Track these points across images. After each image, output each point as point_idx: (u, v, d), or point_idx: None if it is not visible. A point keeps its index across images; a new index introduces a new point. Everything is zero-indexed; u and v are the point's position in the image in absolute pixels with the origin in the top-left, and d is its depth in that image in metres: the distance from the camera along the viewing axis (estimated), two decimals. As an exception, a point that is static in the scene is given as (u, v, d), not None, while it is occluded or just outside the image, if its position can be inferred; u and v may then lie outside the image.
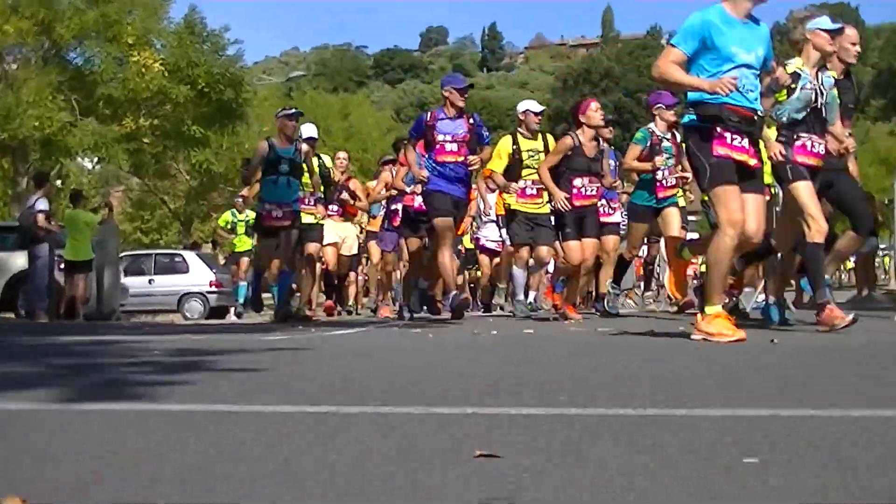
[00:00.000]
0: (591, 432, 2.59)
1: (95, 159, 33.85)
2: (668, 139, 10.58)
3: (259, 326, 10.75)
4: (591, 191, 10.22)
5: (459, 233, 13.89)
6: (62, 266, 16.91)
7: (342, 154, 15.08)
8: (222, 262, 25.06)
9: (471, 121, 10.18)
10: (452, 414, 2.95)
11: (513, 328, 8.54)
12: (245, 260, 19.76)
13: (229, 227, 20.54)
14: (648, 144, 10.54)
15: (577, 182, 10.17)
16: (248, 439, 2.55)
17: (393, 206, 12.95)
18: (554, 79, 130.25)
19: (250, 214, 18.97)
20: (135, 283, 22.06)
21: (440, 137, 10.05)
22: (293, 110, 11.69)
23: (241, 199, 19.85)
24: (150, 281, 23.45)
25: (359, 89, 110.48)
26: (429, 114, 10.36)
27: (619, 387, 3.70)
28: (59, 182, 35.63)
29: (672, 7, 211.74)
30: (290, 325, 9.91)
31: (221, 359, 5.19)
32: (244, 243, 19.82)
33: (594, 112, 10.20)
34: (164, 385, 3.80)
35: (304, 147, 11.54)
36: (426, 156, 10.32)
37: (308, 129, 13.16)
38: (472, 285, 20.54)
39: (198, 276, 23.21)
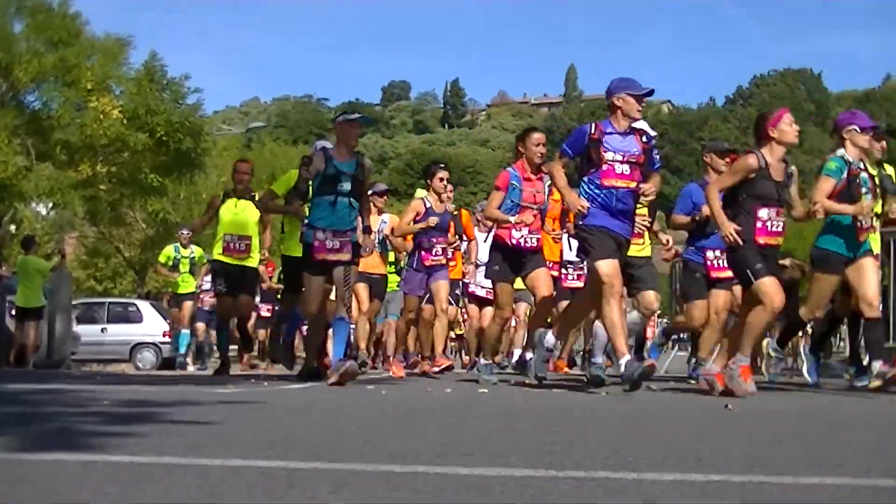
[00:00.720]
0: (541, 494, 2.58)
1: (50, 205, 33.56)
2: (863, 169, 8.39)
3: (211, 379, 10.64)
4: (779, 226, 7.65)
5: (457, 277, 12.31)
6: (13, 312, 16.72)
7: None
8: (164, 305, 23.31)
9: (643, 138, 8.02)
10: (403, 472, 2.93)
11: (466, 387, 8.52)
12: (188, 304, 18.22)
13: (171, 263, 18.20)
14: (845, 176, 8.25)
15: (763, 213, 7.60)
16: (195, 493, 2.52)
17: (426, 245, 10.95)
18: (515, 137, 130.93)
19: (196, 250, 18.08)
20: (87, 331, 21.81)
21: (608, 156, 7.85)
22: (357, 115, 9.16)
23: (186, 232, 18.44)
24: (102, 330, 23.22)
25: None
26: (592, 125, 8.04)
27: (571, 449, 3.69)
28: (12, 227, 35.29)
29: (636, 68, 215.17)
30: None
31: (172, 411, 5.14)
32: (188, 284, 18.11)
33: (788, 126, 7.77)
34: (112, 436, 3.76)
35: (368, 163, 9.13)
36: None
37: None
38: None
39: (151, 325, 23.03)
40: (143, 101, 28.18)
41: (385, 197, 12.53)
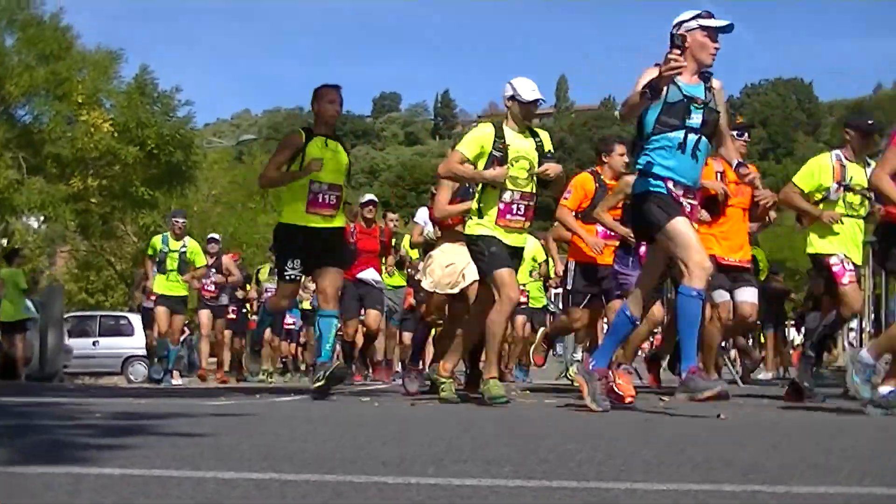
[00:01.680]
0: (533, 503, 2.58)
1: (42, 218, 33.52)
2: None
3: (203, 391, 10.61)
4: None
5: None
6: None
7: None
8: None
9: None
10: (395, 483, 2.93)
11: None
12: (179, 317, 14.53)
13: (157, 258, 14.20)
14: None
15: None
16: (187, 506, 2.52)
17: None
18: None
19: (190, 244, 14.38)
20: (79, 344, 21.80)
21: None
22: (721, 21, 6.07)
23: (180, 220, 14.35)
24: (94, 342, 23.20)
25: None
26: None
27: (565, 458, 3.69)
28: (4, 241, 35.25)
29: (627, 79, 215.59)
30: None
31: (164, 423, 5.12)
32: (173, 285, 14.20)
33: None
34: (104, 449, 3.75)
35: (717, 84, 6.18)
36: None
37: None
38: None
39: (143, 338, 22.98)
40: (134, 114, 28.18)
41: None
